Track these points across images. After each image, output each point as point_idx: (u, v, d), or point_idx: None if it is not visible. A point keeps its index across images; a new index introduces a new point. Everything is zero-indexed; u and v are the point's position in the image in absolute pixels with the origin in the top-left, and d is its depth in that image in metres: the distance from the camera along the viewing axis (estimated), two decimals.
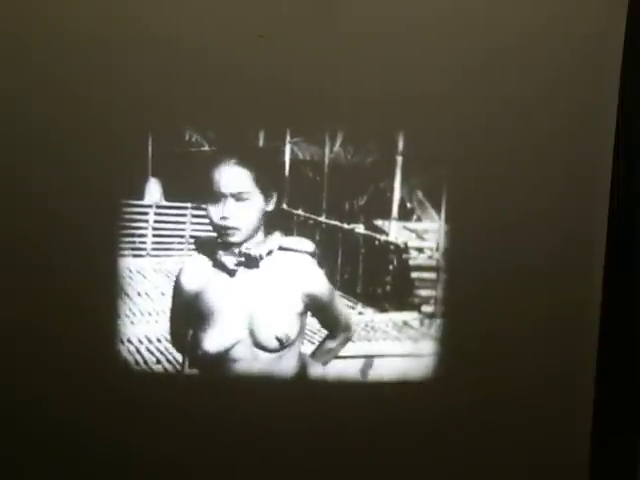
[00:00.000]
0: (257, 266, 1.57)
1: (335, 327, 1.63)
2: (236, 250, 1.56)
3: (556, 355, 1.63)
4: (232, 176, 1.53)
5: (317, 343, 1.64)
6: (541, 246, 1.60)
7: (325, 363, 1.64)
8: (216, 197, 1.53)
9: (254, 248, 1.56)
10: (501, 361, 1.63)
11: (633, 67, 1.58)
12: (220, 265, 1.57)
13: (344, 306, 1.63)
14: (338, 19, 1.54)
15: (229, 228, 1.54)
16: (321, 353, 1.63)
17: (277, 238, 1.58)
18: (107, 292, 1.59)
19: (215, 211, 1.54)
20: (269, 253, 1.57)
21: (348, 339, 1.63)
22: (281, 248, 1.58)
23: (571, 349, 1.64)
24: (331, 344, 1.63)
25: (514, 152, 1.58)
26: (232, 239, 1.55)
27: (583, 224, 1.61)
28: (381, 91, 1.55)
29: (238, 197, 1.53)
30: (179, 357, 1.62)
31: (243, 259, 1.56)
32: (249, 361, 1.58)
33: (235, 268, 1.57)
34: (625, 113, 1.61)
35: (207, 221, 1.56)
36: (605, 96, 1.58)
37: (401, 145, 1.57)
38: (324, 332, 1.64)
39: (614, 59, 1.56)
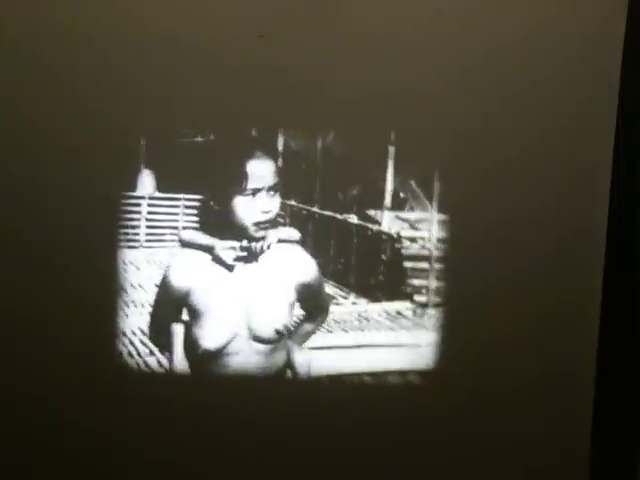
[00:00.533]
0: (257, 260, 1.57)
1: (318, 312, 1.63)
2: (236, 245, 1.56)
3: (556, 355, 1.63)
4: (265, 169, 1.54)
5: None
6: (540, 246, 1.60)
7: (302, 344, 1.63)
8: (248, 192, 1.52)
9: (255, 242, 1.56)
10: (500, 361, 1.63)
11: (633, 67, 1.58)
12: (218, 260, 1.57)
13: (325, 290, 1.63)
14: (337, 19, 1.54)
15: (268, 221, 1.55)
16: (299, 336, 1.63)
17: (275, 231, 1.57)
18: (104, 285, 1.59)
19: (254, 205, 1.53)
20: (269, 247, 1.57)
21: (324, 321, 1.64)
22: (280, 240, 1.58)
23: (571, 349, 1.63)
24: (309, 326, 1.63)
25: (514, 152, 1.58)
26: (267, 232, 1.56)
27: (583, 224, 1.61)
28: (377, 85, 1.55)
29: (274, 189, 1.54)
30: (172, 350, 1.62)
31: (245, 253, 1.56)
32: (246, 354, 1.58)
33: (234, 263, 1.57)
34: (625, 113, 1.61)
35: (199, 212, 1.56)
36: (605, 96, 1.58)
37: (393, 135, 1.57)
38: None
39: (614, 59, 1.56)
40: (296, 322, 1.63)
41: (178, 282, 1.57)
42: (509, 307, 1.61)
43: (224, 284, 1.57)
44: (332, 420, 1.62)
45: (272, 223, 1.56)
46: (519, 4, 1.55)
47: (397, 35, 1.54)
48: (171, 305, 1.59)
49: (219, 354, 1.58)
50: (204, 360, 1.59)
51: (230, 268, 1.57)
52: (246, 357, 1.58)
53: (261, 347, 1.59)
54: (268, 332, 1.58)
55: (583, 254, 1.62)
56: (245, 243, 1.56)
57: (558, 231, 1.61)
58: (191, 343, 1.59)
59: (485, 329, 1.61)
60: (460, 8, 1.54)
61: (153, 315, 1.60)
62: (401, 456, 1.65)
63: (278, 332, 1.58)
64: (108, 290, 1.59)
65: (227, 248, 1.56)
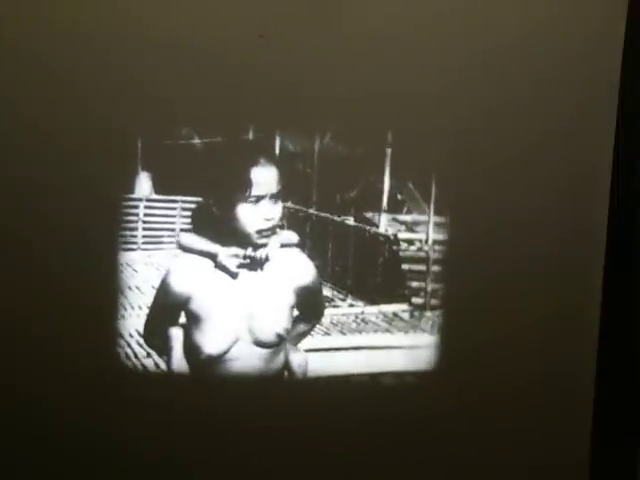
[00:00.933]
0: (261, 268, 1.57)
1: (314, 313, 1.63)
2: (240, 253, 1.56)
3: (556, 355, 1.63)
4: (269, 176, 1.53)
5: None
6: (540, 246, 1.60)
7: (296, 344, 1.63)
8: (251, 199, 1.51)
9: (258, 249, 1.56)
10: (499, 361, 1.63)
11: (633, 67, 1.58)
12: (222, 268, 1.56)
13: (322, 292, 1.64)
14: (337, 19, 1.54)
15: (269, 229, 1.54)
16: (293, 336, 1.63)
17: (276, 236, 1.57)
18: (104, 287, 1.59)
19: (257, 212, 1.52)
20: (271, 254, 1.57)
21: (319, 321, 1.64)
22: (282, 245, 1.57)
23: (571, 349, 1.63)
24: (304, 327, 1.63)
25: (513, 153, 1.58)
26: (269, 240, 1.55)
27: (583, 224, 1.61)
28: (374, 86, 1.55)
29: (277, 197, 1.53)
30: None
31: (249, 261, 1.56)
32: (247, 359, 1.58)
33: (237, 271, 1.56)
34: (625, 113, 1.60)
35: (200, 217, 1.56)
36: (605, 96, 1.58)
37: (391, 137, 1.57)
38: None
39: (614, 59, 1.56)
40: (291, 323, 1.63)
41: (178, 287, 1.56)
42: (508, 307, 1.61)
43: (226, 290, 1.56)
44: (330, 422, 1.62)
45: (273, 230, 1.55)
46: (519, 4, 1.55)
47: (396, 36, 1.53)
48: (169, 309, 1.58)
49: (220, 359, 1.57)
50: (205, 365, 1.58)
51: (234, 275, 1.56)
52: (247, 361, 1.58)
53: (262, 351, 1.58)
54: (270, 336, 1.58)
55: (583, 254, 1.62)
56: (249, 251, 1.55)
57: (558, 231, 1.61)
58: (192, 348, 1.58)
59: (484, 330, 1.61)
60: (460, 8, 1.54)
61: (149, 317, 1.59)
62: (399, 457, 1.65)
63: (279, 336, 1.58)
64: (107, 292, 1.59)
65: (230, 255, 1.55)
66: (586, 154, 1.60)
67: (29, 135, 1.54)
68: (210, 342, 1.56)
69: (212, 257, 1.56)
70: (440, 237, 1.60)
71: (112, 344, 1.61)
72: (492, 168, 1.58)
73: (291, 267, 1.59)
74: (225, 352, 1.57)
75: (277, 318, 1.58)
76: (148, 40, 1.52)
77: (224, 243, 1.56)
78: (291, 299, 1.59)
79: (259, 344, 1.58)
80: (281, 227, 1.58)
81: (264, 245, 1.55)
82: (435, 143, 1.57)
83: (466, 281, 1.60)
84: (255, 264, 1.56)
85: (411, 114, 1.57)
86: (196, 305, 1.56)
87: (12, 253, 1.57)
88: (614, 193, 1.62)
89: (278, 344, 1.59)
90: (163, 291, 1.57)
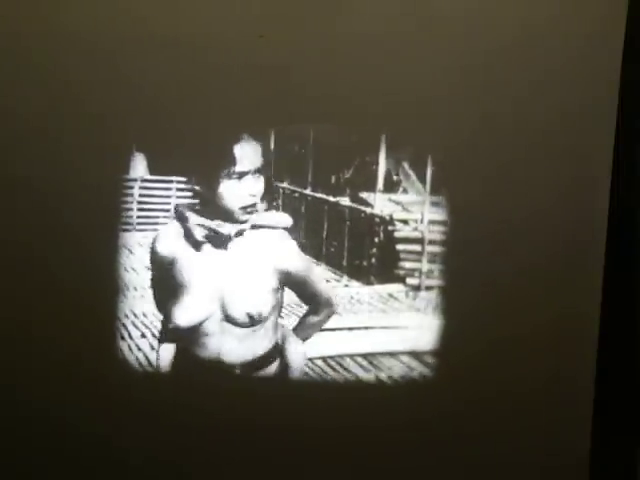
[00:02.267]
0: (225, 247, 1.56)
1: (315, 302, 1.62)
2: (206, 224, 1.56)
3: (556, 355, 1.63)
4: (253, 152, 1.54)
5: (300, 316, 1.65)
6: (540, 246, 1.60)
7: (305, 339, 1.63)
8: (234, 175, 1.53)
9: (226, 226, 1.55)
10: (499, 362, 1.62)
11: (633, 67, 1.58)
12: (188, 236, 1.56)
13: (323, 281, 1.63)
14: (337, 19, 1.55)
15: (253, 205, 1.55)
16: (302, 328, 1.63)
17: (258, 215, 1.57)
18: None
19: (242, 188, 1.53)
20: (239, 233, 1.56)
21: (331, 314, 1.63)
22: (254, 226, 1.57)
23: (571, 349, 1.63)
24: (313, 319, 1.62)
25: (513, 153, 1.59)
26: (253, 216, 1.55)
27: (583, 224, 1.61)
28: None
29: (260, 172, 1.54)
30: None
31: (213, 234, 1.56)
32: (219, 336, 1.57)
33: (202, 240, 1.56)
34: (625, 113, 1.61)
35: (190, 194, 1.57)
36: (605, 96, 1.58)
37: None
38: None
39: (614, 59, 1.56)
40: (300, 316, 1.63)
41: (161, 253, 1.58)
42: (508, 308, 1.61)
43: (198, 261, 1.56)
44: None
45: (255, 206, 1.56)
46: (519, 4, 1.55)
47: (393, 30, 1.54)
48: (160, 279, 1.59)
49: (190, 332, 1.57)
50: (176, 338, 1.58)
51: (198, 247, 1.56)
52: (220, 339, 1.58)
53: (237, 330, 1.57)
54: (240, 315, 1.57)
55: (583, 254, 1.62)
56: (215, 225, 1.55)
57: (558, 231, 1.61)
58: (165, 317, 1.59)
59: (480, 315, 1.61)
60: (460, 7, 1.55)
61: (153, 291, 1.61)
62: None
63: (251, 317, 1.57)
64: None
65: (197, 225, 1.55)
66: (586, 154, 1.60)
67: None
68: (181, 313, 1.56)
69: (186, 225, 1.56)
70: (435, 217, 1.60)
71: (111, 326, 1.61)
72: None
73: (273, 249, 1.58)
74: (194, 325, 1.56)
75: (251, 298, 1.57)
76: (150, 39, 1.55)
77: (210, 218, 1.56)
78: (273, 282, 1.58)
79: (230, 321, 1.57)
80: (275, 207, 1.59)
81: (245, 221, 1.55)
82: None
83: (462, 262, 1.60)
84: (219, 241, 1.55)
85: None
86: (174, 274, 1.57)
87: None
88: (614, 193, 1.61)
89: (251, 325, 1.58)
90: (152, 260, 1.58)
